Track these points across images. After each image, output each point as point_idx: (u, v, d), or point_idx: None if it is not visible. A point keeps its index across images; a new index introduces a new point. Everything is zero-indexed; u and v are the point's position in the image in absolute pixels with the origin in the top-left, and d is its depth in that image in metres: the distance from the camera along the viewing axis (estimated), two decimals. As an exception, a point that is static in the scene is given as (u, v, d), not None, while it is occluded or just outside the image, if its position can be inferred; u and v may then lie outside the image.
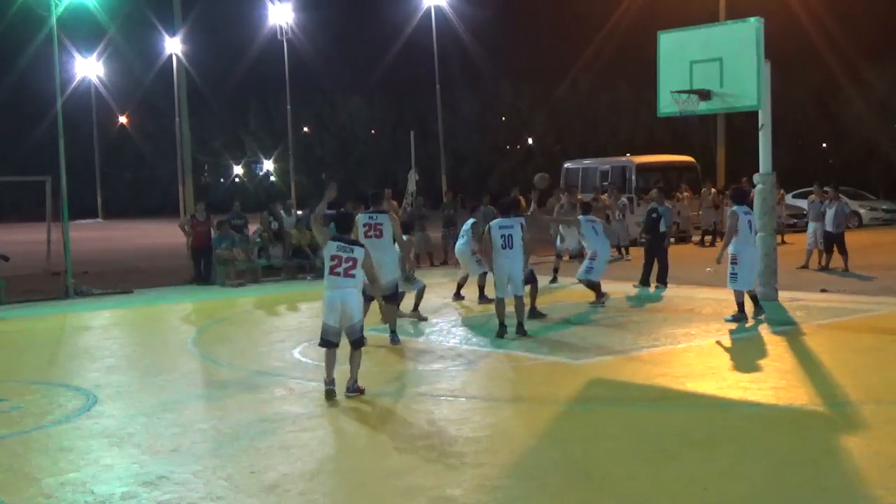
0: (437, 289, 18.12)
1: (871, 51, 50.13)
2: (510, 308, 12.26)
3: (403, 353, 11.86)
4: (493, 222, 12.31)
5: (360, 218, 11.83)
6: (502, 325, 12.12)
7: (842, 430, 7.54)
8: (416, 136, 31.99)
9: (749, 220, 12.94)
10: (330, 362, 9.14)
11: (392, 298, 11.86)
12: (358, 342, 9.18)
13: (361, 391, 9.13)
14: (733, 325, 12.51)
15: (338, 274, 9.09)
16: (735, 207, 13.10)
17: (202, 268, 20.54)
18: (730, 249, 12.87)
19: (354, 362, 9.19)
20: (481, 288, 15.51)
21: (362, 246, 9.50)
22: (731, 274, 12.84)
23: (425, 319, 13.93)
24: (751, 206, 14.98)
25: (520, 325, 12.16)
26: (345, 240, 9.41)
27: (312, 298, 17.28)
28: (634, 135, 57.35)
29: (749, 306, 12.90)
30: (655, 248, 16.96)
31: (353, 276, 9.11)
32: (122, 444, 7.78)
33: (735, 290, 12.90)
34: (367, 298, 11.48)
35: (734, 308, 12.96)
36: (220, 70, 72.85)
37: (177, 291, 19.39)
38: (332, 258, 9.15)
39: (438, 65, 47.14)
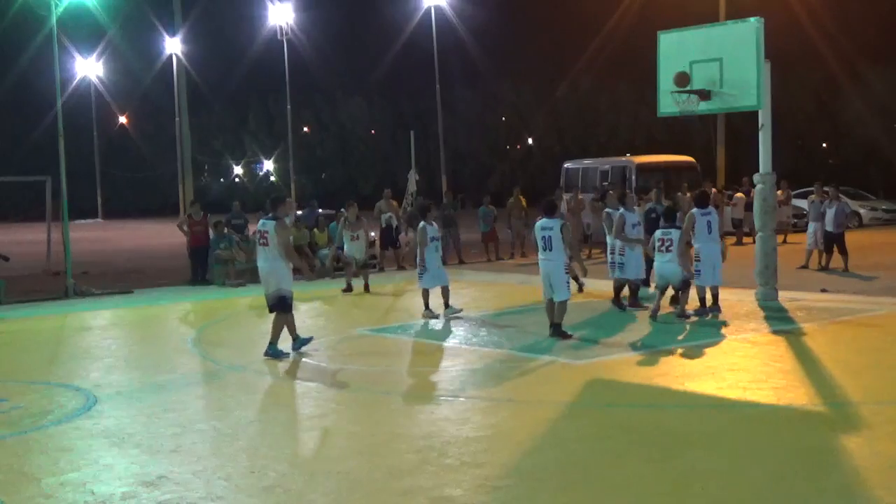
0: (437, 289, 18.12)
1: (871, 51, 50.13)
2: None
3: (404, 353, 11.87)
4: (537, 223, 12.07)
5: (258, 224, 11.56)
6: (553, 325, 11.96)
7: (842, 430, 7.53)
8: (416, 136, 31.97)
9: (708, 221, 13.49)
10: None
11: (281, 308, 11.32)
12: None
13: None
14: (723, 324, 12.56)
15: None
16: (694, 210, 13.68)
17: (200, 267, 20.50)
18: (694, 248, 13.48)
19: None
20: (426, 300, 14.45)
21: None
22: (696, 271, 13.36)
23: (437, 317, 14.08)
24: (749, 207, 15.07)
25: (556, 327, 11.87)
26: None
27: (312, 298, 17.29)
28: (634, 135, 57.34)
29: (707, 300, 13.52)
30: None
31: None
32: (122, 444, 7.79)
33: (697, 286, 13.39)
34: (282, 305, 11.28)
35: (726, 306, 13.43)
36: (220, 70, 72.86)
37: (177, 291, 19.39)
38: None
39: (438, 65, 47.14)
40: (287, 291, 11.31)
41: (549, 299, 11.94)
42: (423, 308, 14.19)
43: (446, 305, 14.26)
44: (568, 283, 11.91)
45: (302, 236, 21.22)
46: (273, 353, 11.27)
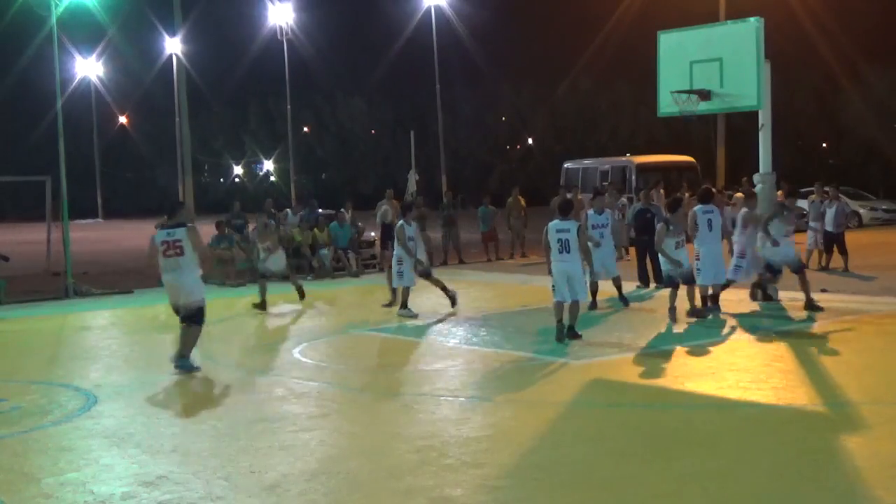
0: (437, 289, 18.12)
1: (871, 51, 50.17)
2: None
3: (404, 353, 11.86)
4: (550, 224, 11.65)
5: (158, 235, 10.68)
6: (560, 329, 11.63)
7: (842, 430, 7.53)
8: (416, 136, 32.01)
9: (709, 219, 13.38)
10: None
11: (196, 320, 10.69)
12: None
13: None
14: (723, 324, 12.56)
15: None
16: (697, 207, 13.58)
17: None
18: (694, 246, 13.37)
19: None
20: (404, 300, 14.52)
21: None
22: (696, 269, 13.26)
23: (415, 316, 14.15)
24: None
25: (570, 329, 11.61)
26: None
27: (312, 298, 17.28)
28: (634, 135, 57.37)
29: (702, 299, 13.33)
30: (652, 248, 16.94)
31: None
32: (122, 444, 7.79)
33: (700, 286, 13.26)
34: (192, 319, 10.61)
35: (727, 306, 13.39)
36: (220, 70, 72.91)
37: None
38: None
39: (438, 65, 47.14)
40: (203, 301, 10.72)
41: (558, 301, 11.59)
42: (402, 307, 14.31)
43: (403, 305, 14.36)
44: (586, 283, 11.77)
45: (306, 237, 21.26)
46: (184, 366, 10.59)
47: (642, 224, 17.12)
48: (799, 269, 13.84)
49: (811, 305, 13.39)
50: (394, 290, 15.08)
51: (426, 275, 14.96)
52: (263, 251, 16.30)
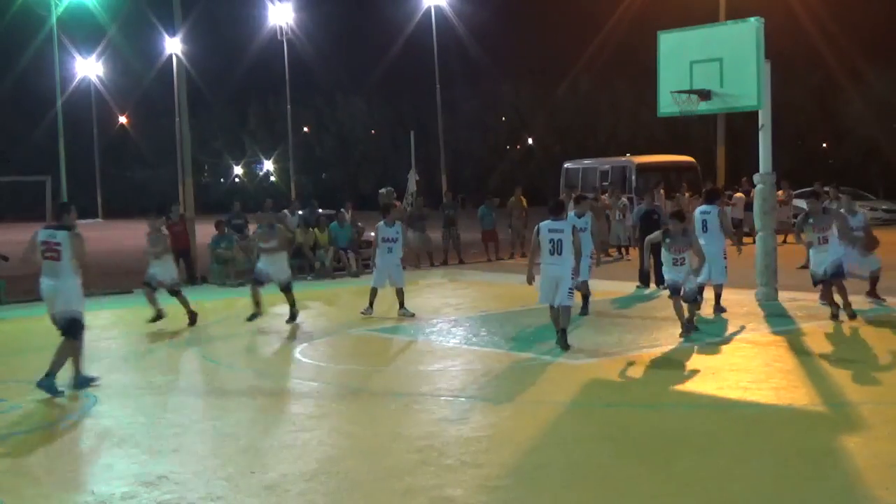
0: (437, 289, 18.15)
1: (871, 51, 50.13)
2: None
3: (403, 353, 11.86)
4: (542, 224, 11.12)
5: (40, 234, 9.98)
6: (563, 336, 11.14)
7: (842, 430, 7.53)
8: (416, 136, 31.98)
9: (704, 219, 13.57)
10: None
11: (71, 333, 9.74)
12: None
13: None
14: (723, 324, 12.57)
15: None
16: (698, 208, 13.81)
17: (185, 269, 20.34)
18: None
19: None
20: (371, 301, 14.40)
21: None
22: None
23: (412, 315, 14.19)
24: (749, 207, 15.05)
25: (562, 332, 11.16)
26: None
27: (312, 298, 17.29)
28: (634, 135, 57.34)
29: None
30: (656, 249, 16.92)
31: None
32: (122, 444, 7.79)
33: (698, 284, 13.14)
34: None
35: (727, 306, 13.55)
36: (220, 70, 72.89)
37: (177, 291, 19.35)
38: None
39: (438, 65, 47.15)
40: (78, 313, 9.81)
41: (552, 306, 11.23)
42: (367, 306, 14.32)
43: (401, 306, 14.35)
44: (573, 289, 11.32)
45: (309, 238, 21.27)
46: (47, 386, 9.52)
47: (648, 225, 17.09)
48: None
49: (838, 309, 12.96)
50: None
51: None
52: (153, 259, 14.42)
